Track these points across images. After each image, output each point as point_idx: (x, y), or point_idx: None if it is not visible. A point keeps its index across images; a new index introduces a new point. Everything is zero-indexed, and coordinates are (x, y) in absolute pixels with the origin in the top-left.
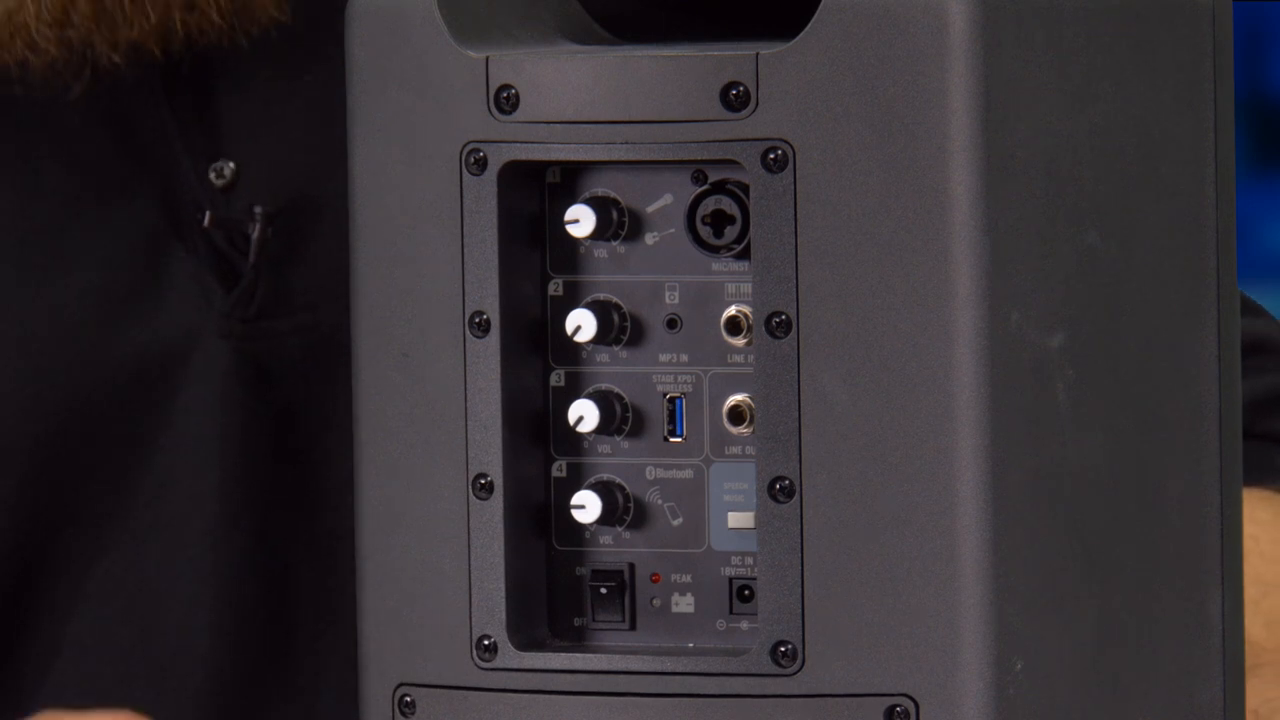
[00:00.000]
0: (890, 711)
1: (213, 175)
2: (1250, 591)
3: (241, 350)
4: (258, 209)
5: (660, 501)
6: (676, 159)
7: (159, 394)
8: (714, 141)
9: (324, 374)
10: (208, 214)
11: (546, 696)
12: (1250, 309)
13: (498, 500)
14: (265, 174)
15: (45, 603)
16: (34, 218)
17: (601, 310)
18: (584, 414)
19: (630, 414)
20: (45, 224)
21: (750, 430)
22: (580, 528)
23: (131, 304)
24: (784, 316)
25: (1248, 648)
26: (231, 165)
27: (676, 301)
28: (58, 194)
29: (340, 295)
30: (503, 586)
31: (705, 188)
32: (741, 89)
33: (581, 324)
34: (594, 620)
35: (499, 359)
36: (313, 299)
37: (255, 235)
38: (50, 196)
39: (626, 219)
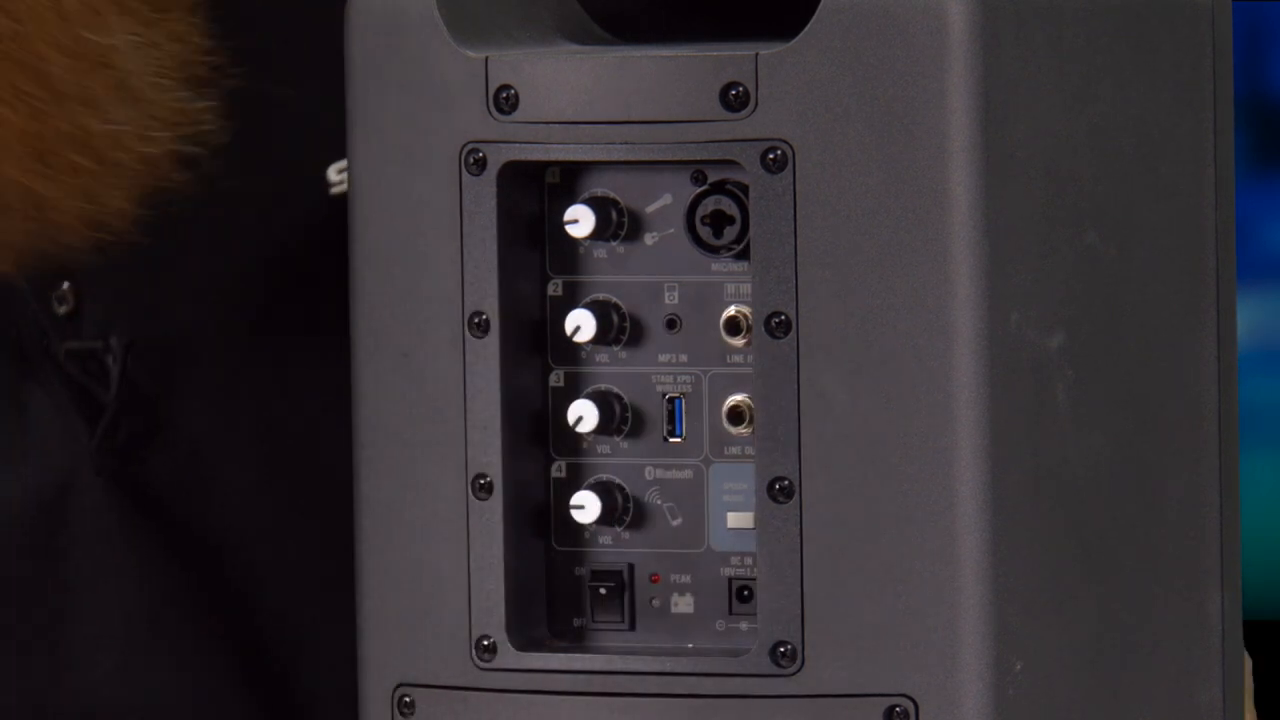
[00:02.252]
0: (890, 711)
1: (55, 304)
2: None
3: (118, 482)
4: (114, 339)
5: (660, 502)
6: (676, 159)
7: (39, 541)
8: (714, 141)
9: (205, 488)
10: (63, 348)
11: (546, 696)
12: None
13: (497, 500)
14: (109, 295)
15: None
16: None
17: (601, 310)
18: (583, 414)
19: (630, 414)
20: None
21: (750, 430)
22: (580, 528)
23: None
24: (784, 316)
25: None
26: (66, 284)
27: (676, 301)
28: None
29: (207, 410)
30: (502, 587)
31: (705, 188)
32: (741, 89)
33: (581, 324)
34: (593, 620)
35: (499, 359)
36: (181, 418)
37: (115, 367)
38: None
39: (626, 219)
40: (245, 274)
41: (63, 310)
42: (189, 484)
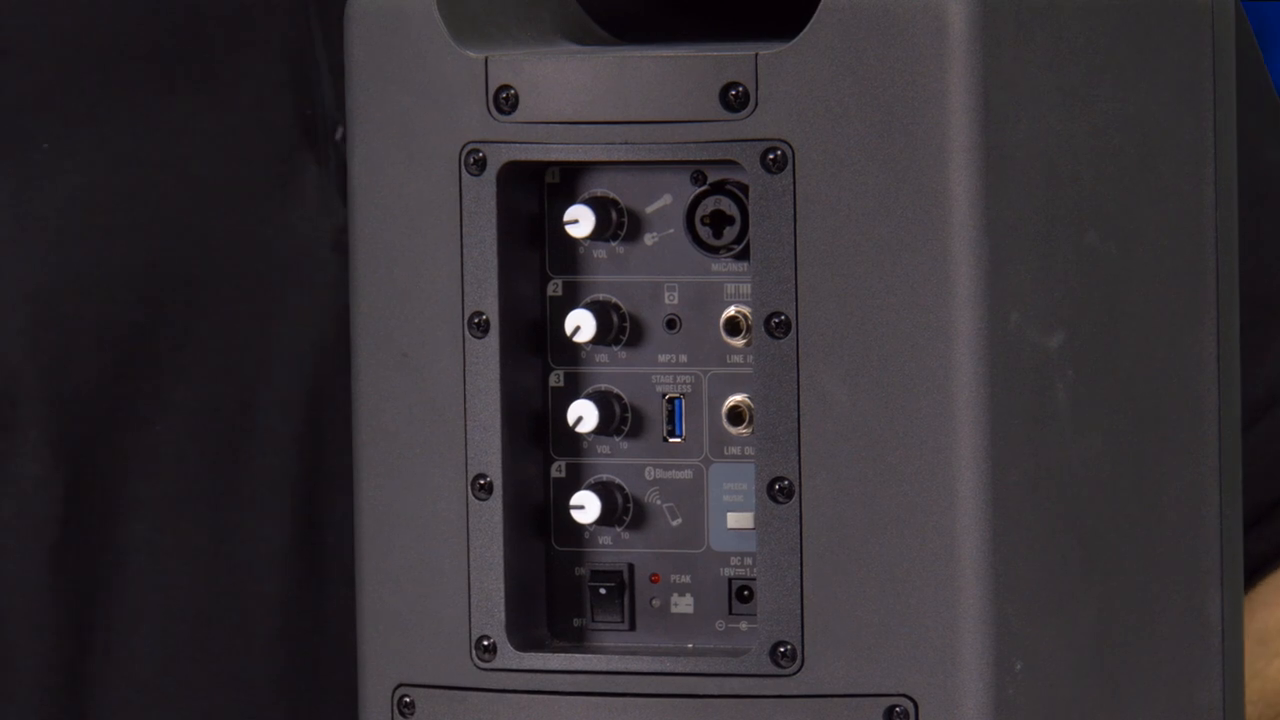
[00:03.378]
0: (890, 711)
1: None
2: None
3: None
4: None
5: (660, 502)
6: (676, 159)
7: (263, 298)
8: (713, 142)
9: None
10: (341, 129)
11: (546, 697)
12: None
13: (497, 500)
14: None
15: (127, 502)
16: (164, 113)
17: (601, 310)
18: (583, 414)
19: (630, 414)
20: (174, 121)
21: (750, 430)
22: (580, 528)
23: (251, 206)
24: (783, 317)
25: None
26: None
27: (676, 302)
28: (191, 92)
29: None
30: (502, 587)
31: (705, 188)
32: (741, 89)
33: (581, 324)
34: (593, 620)
35: (498, 359)
36: None
37: None
38: (183, 95)
39: (626, 219)
40: None
41: None
42: None
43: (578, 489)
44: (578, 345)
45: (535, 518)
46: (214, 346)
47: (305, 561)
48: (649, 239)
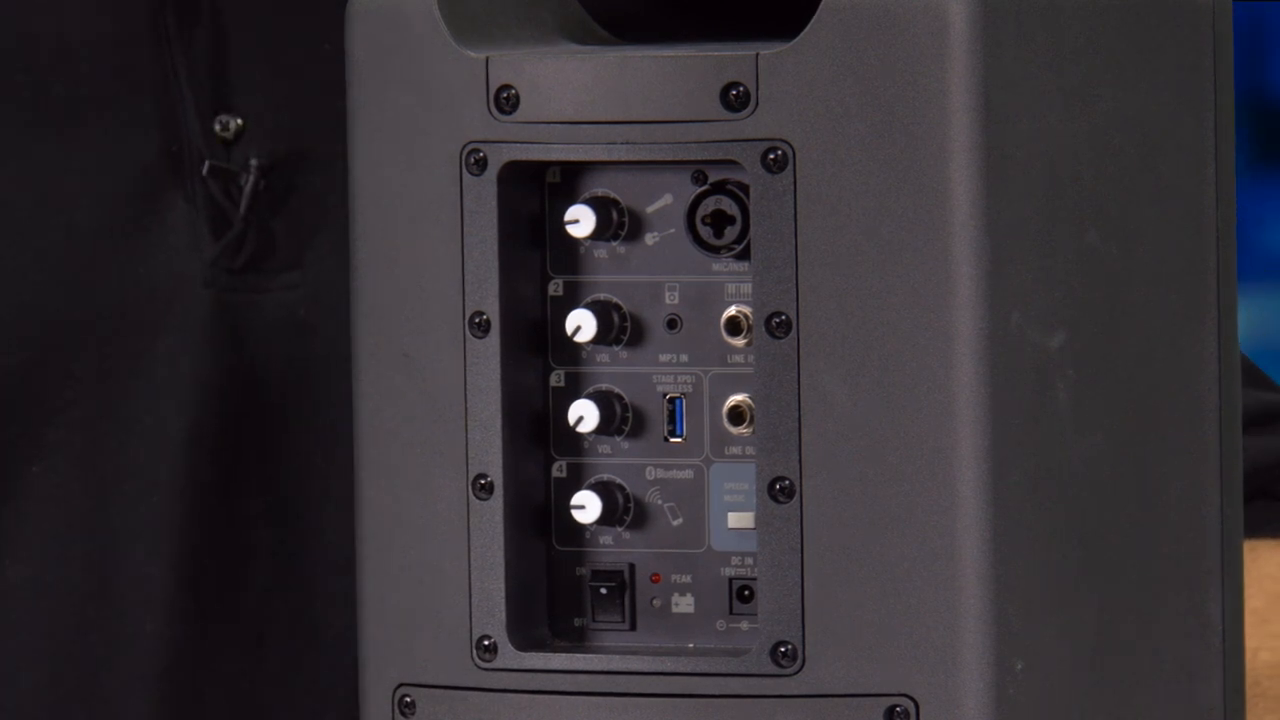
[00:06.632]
0: (890, 711)
1: (217, 127)
2: None
3: (223, 301)
4: (254, 161)
5: (660, 501)
6: (676, 159)
7: (137, 337)
8: (714, 141)
9: (302, 333)
10: (207, 163)
11: (546, 697)
12: (1263, 383)
13: (498, 500)
14: (269, 129)
15: (6, 539)
16: (29, 151)
17: (601, 310)
18: (584, 414)
19: (630, 414)
20: (39, 159)
21: (750, 430)
22: (580, 528)
23: (120, 244)
24: (784, 317)
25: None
26: (238, 121)
27: (676, 301)
28: (55, 129)
29: (326, 255)
30: (503, 587)
31: (705, 188)
32: (741, 89)
33: (581, 324)
34: (594, 620)
35: (499, 359)
36: (299, 257)
37: (248, 186)
38: (48, 131)
39: (626, 219)
40: None
41: (224, 135)
42: (288, 323)
43: (578, 489)
44: (578, 345)
45: (536, 518)
46: (90, 387)
47: (186, 601)
48: (650, 239)
